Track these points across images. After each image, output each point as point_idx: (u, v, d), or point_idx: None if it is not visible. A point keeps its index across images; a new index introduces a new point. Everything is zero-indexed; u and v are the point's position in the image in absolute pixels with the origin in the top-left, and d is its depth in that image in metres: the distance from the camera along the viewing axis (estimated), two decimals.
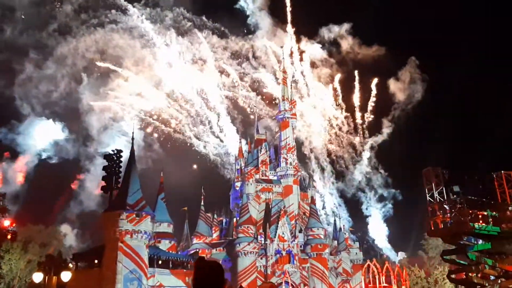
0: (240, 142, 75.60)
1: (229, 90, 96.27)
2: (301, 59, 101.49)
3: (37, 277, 31.02)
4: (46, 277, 25.55)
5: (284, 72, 75.25)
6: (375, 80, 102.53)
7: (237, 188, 70.36)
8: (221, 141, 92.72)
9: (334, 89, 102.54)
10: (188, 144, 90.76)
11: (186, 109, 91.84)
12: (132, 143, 47.52)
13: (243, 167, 69.55)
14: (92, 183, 78.68)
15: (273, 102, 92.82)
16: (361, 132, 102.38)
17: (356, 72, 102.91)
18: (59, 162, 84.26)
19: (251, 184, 66.06)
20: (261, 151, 69.01)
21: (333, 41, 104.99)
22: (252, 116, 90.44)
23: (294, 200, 67.24)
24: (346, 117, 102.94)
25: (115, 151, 45.53)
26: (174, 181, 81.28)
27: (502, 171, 32.76)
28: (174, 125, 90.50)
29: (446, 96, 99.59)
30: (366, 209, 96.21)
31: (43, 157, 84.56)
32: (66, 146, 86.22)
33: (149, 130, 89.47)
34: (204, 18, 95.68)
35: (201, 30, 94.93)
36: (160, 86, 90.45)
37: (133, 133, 47.96)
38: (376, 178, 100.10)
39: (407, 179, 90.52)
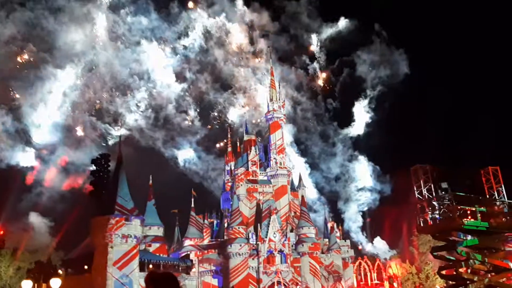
0: (229, 145, 74.79)
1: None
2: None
3: (26, 285, 30.54)
4: (36, 284, 25.19)
5: (272, 74, 75.76)
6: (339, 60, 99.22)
7: (228, 190, 70.30)
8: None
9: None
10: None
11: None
12: (120, 147, 47.20)
13: (233, 168, 69.51)
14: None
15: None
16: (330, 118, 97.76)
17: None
18: None
19: (241, 185, 66.08)
20: (250, 151, 69.07)
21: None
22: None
23: (285, 200, 67.39)
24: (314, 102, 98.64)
25: (103, 156, 45.21)
26: (164, 183, 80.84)
27: (490, 167, 33.03)
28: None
29: (432, 89, 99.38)
30: (344, 203, 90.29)
31: None
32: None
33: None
34: None
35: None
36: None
37: (120, 136, 47.65)
38: (354, 168, 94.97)
39: (394, 173, 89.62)
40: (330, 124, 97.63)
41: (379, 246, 78.96)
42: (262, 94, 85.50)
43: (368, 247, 76.54)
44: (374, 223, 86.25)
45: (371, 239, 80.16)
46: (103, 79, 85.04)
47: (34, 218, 63.11)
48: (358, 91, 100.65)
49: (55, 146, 77.63)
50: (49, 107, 79.41)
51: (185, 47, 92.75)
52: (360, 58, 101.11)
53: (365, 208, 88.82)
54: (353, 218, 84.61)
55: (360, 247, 79.28)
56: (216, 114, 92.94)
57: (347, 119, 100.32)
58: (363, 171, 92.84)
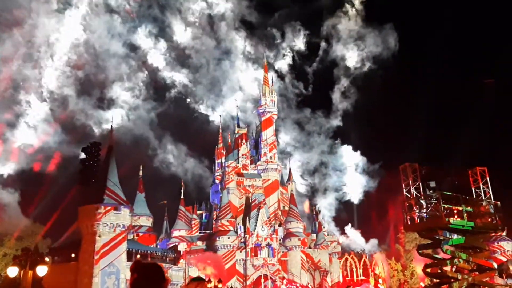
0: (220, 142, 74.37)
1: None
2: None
3: (12, 271, 30.39)
4: (21, 271, 25.05)
5: (266, 71, 75.72)
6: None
7: (218, 182, 70.38)
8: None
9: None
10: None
11: None
12: (111, 135, 46.97)
13: (223, 162, 69.59)
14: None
15: None
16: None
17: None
18: None
19: (232, 178, 66.19)
20: (242, 146, 69.16)
21: None
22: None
23: (274, 197, 67.69)
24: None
25: (93, 144, 44.98)
26: (154, 174, 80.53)
27: (477, 167, 33.36)
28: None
29: (420, 87, 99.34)
30: (323, 192, 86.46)
31: None
32: None
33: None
34: None
35: None
36: None
37: (111, 125, 47.37)
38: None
39: (380, 170, 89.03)
40: (304, 110, 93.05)
41: (353, 237, 77.79)
42: (253, 85, 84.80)
43: (341, 239, 74.54)
44: (349, 213, 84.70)
45: (342, 230, 78.03)
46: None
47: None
48: (334, 79, 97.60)
49: None
50: None
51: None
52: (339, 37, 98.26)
53: (343, 199, 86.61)
54: (328, 207, 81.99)
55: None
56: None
57: (326, 106, 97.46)
58: (346, 161, 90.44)
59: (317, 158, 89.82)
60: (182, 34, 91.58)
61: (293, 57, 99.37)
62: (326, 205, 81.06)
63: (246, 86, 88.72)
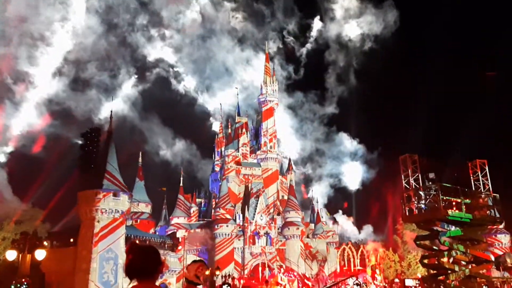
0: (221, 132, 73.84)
1: None
2: None
3: (11, 255, 30.50)
4: (20, 255, 25.15)
5: (267, 61, 75.15)
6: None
7: (217, 171, 70.45)
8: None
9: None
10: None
11: None
12: (111, 121, 46.83)
13: (223, 150, 69.59)
14: None
15: None
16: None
17: None
18: None
19: (231, 166, 66.25)
20: (242, 136, 69.12)
21: None
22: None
23: (273, 188, 67.81)
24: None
25: (93, 130, 44.87)
26: (154, 159, 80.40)
27: (477, 160, 33.35)
28: None
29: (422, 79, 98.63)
30: (318, 179, 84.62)
31: None
32: None
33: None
34: None
35: None
36: None
37: (111, 111, 47.22)
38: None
39: (379, 160, 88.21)
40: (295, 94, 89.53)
41: (344, 224, 76.65)
42: (253, 74, 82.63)
43: (331, 224, 72.72)
44: (343, 201, 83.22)
45: (332, 216, 76.22)
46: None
47: None
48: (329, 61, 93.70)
49: None
50: None
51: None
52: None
53: (336, 186, 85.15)
54: (321, 194, 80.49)
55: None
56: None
57: (320, 91, 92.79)
58: (343, 148, 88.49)
59: (312, 145, 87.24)
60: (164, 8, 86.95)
61: (283, 37, 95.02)
62: (319, 193, 79.45)
63: (233, 68, 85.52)
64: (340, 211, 79.14)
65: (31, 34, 70.48)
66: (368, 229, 78.97)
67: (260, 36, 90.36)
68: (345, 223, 77.31)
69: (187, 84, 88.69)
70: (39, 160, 70.11)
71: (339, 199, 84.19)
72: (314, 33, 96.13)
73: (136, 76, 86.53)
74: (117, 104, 73.35)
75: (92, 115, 75.79)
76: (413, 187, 30.32)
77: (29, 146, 68.84)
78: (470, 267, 30.13)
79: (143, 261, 3.55)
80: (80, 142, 45.37)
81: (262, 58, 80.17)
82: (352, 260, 64.00)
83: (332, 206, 79.75)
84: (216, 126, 77.58)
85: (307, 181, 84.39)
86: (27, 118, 69.99)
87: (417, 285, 40.32)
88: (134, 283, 3.55)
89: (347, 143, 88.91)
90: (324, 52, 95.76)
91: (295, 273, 55.04)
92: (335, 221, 75.29)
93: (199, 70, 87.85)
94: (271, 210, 63.50)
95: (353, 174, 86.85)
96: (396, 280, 57.95)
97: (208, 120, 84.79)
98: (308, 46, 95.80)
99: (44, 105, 71.66)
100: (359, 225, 79.34)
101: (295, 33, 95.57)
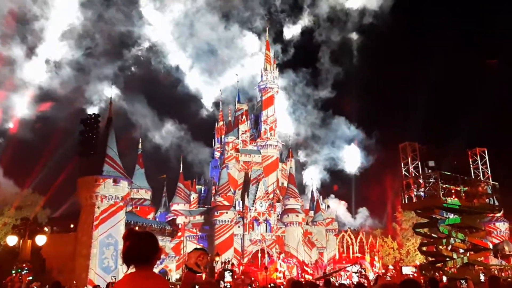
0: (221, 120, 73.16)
1: None
2: None
3: (11, 240, 30.65)
4: (21, 240, 25.28)
5: (268, 49, 74.49)
6: None
7: (217, 158, 70.47)
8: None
9: None
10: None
11: None
12: (110, 107, 46.73)
13: (223, 137, 69.53)
14: None
15: None
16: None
17: None
18: None
19: (231, 153, 66.26)
20: (242, 124, 68.99)
21: None
22: None
23: (273, 173, 67.83)
24: None
25: (92, 115, 44.81)
26: (154, 145, 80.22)
27: (477, 148, 33.39)
28: None
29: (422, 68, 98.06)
30: (312, 163, 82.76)
31: None
32: None
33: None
34: None
35: None
36: None
37: (111, 97, 47.12)
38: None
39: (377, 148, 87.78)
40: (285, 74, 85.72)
41: (336, 208, 75.65)
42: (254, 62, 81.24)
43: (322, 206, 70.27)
44: (340, 187, 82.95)
45: (323, 199, 73.40)
46: None
47: None
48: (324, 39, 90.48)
49: None
50: None
51: None
52: None
53: (332, 171, 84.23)
54: (315, 177, 78.66)
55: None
56: None
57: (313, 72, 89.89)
58: (340, 134, 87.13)
59: (307, 130, 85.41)
60: None
61: (270, 12, 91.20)
62: (313, 176, 78.04)
63: (218, 46, 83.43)
64: (332, 195, 78.56)
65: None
66: (364, 212, 79.09)
67: (247, 14, 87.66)
68: (338, 207, 76.68)
69: (172, 63, 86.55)
70: (35, 145, 70.36)
71: (334, 183, 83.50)
72: (306, 7, 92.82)
73: (117, 58, 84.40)
74: (104, 88, 72.90)
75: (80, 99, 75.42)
76: (413, 175, 30.37)
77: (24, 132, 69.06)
78: (468, 254, 30.33)
79: (141, 247, 3.54)
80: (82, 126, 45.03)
81: (249, 37, 79.45)
82: (351, 247, 64.32)
83: (324, 190, 78.41)
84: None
85: (302, 165, 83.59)
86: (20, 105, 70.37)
87: (414, 273, 40.47)
88: (132, 269, 3.54)
89: (344, 128, 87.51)
90: (318, 29, 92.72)
91: (294, 260, 55.40)
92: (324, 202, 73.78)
93: (183, 49, 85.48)
94: (271, 196, 63.63)
95: (351, 160, 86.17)
96: (390, 267, 58.11)
97: (194, 101, 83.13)
98: (302, 23, 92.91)
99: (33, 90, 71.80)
100: (356, 211, 79.30)
101: (283, 9, 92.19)
